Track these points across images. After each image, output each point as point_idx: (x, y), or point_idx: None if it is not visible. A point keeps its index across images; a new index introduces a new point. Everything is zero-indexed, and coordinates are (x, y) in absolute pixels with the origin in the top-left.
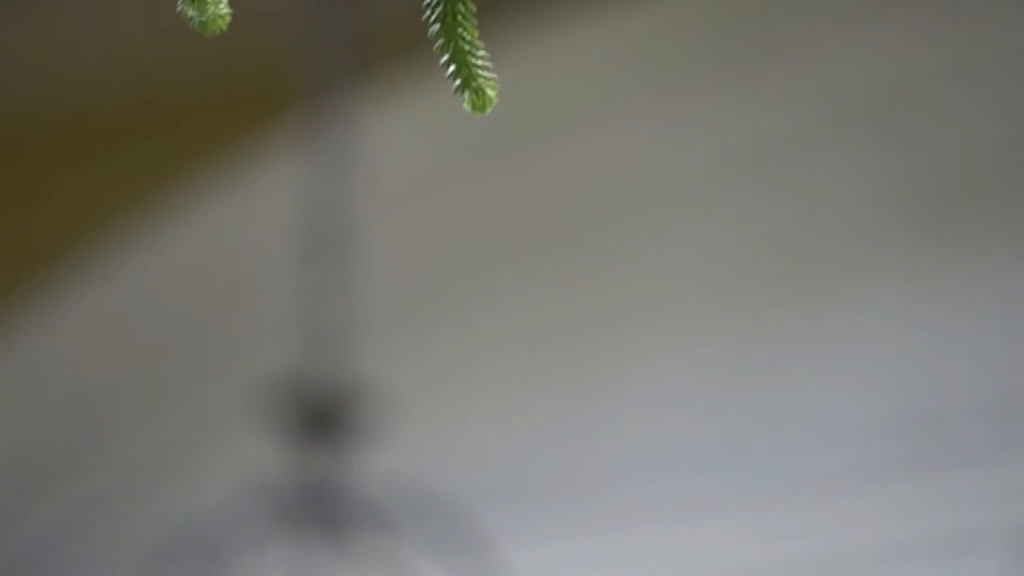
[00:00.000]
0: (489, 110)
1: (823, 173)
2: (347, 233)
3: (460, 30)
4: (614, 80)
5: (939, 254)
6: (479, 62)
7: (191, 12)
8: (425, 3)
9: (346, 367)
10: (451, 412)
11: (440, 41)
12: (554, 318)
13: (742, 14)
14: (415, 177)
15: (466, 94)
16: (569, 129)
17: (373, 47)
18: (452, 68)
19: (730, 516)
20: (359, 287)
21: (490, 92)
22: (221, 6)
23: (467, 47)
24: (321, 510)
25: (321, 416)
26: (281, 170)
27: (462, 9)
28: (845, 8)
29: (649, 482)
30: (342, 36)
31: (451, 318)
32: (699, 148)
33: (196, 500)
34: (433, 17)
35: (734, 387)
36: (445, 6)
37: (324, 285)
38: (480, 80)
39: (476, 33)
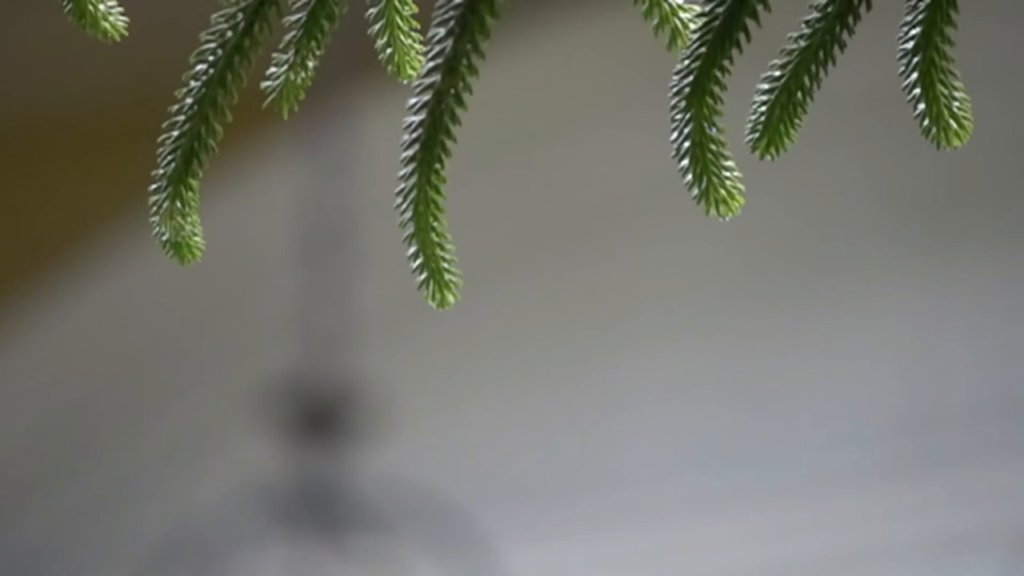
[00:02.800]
0: (447, 307)
1: (823, 173)
2: (347, 233)
3: (432, 221)
4: (614, 80)
5: (939, 254)
6: (447, 256)
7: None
8: (397, 190)
9: (344, 367)
10: (449, 412)
11: (409, 231)
12: (553, 318)
13: None
14: None
15: (430, 288)
16: (569, 129)
17: (373, 47)
18: (419, 260)
19: (730, 516)
20: (358, 287)
21: (450, 296)
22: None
23: (436, 240)
24: (319, 510)
25: (319, 416)
26: (280, 170)
27: (435, 198)
28: None
29: (649, 482)
30: (342, 36)
31: (449, 318)
32: None
33: (195, 500)
34: (404, 206)
35: (734, 387)
36: (418, 195)
37: (323, 285)
38: (446, 277)
39: (446, 224)
